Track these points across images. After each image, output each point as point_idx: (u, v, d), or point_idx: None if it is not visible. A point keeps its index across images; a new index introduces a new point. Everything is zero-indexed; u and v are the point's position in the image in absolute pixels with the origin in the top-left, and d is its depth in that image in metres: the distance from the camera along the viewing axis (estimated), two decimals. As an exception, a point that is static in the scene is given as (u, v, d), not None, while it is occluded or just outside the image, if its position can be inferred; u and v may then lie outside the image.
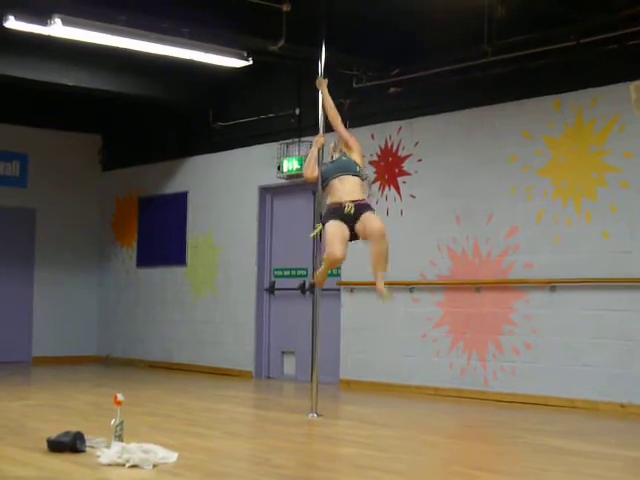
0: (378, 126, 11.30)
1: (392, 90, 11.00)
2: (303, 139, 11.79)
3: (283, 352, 12.63)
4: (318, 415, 8.31)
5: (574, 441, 7.18)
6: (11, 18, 9.20)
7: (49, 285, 15.17)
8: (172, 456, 5.83)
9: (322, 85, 8.43)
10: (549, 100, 9.69)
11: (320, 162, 8.33)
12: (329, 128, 8.49)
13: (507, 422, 8.51)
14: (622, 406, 8.95)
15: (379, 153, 11.29)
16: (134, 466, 5.59)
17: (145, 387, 11.24)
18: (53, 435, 6.18)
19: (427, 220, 10.73)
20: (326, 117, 8.43)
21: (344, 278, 11.52)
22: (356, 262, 11.33)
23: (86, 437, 6.19)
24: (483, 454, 6.88)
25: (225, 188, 13.33)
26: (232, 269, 13.18)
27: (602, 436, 7.60)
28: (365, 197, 8.17)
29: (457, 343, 10.38)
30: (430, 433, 7.67)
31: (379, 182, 11.25)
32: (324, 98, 8.40)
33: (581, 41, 9.19)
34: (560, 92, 9.60)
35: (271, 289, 12.77)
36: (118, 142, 15.57)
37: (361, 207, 7.98)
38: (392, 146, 11.16)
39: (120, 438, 6.07)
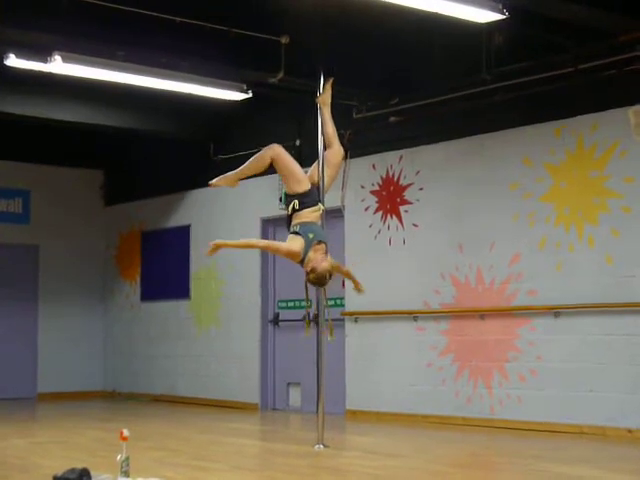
0: (379, 156, 11.34)
1: (392, 119, 11.04)
2: (304, 169, 11.79)
3: (288, 383, 12.59)
4: (325, 446, 8.28)
5: (582, 468, 7.15)
6: (12, 56, 9.25)
7: (53, 321, 15.16)
8: (178, 491, 5.82)
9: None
10: (549, 126, 9.72)
11: None
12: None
13: (514, 450, 8.47)
14: (630, 432, 8.90)
15: (380, 183, 11.31)
16: (140, 502, 5.57)
17: (150, 421, 11.21)
18: (59, 472, 6.16)
19: (430, 249, 10.73)
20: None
21: (348, 308, 11.50)
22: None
23: (92, 473, 6.16)
24: (491, 483, 6.85)
25: (227, 220, 13.34)
26: (236, 301, 13.17)
27: (610, 462, 7.56)
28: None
29: (462, 371, 10.35)
30: (437, 462, 7.64)
31: (381, 212, 11.27)
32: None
33: (579, 67, 9.22)
34: (560, 118, 9.62)
35: (275, 321, 12.75)
36: (120, 177, 15.61)
37: None
38: (393, 175, 11.18)
39: (126, 474, 6.04)
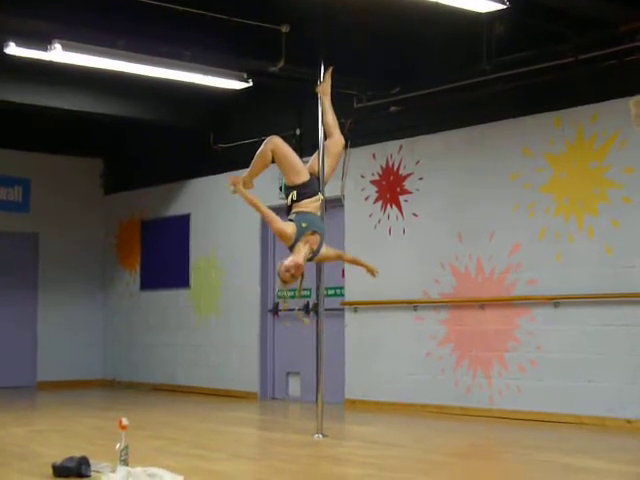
0: (379, 145, 11.32)
1: (393, 109, 11.02)
2: (304, 159, 11.79)
3: (288, 373, 12.60)
4: (324, 436, 8.29)
5: (581, 458, 7.16)
6: (12, 44, 9.24)
7: (53, 309, 15.16)
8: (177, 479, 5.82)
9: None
10: (549, 117, 9.71)
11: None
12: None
13: (513, 440, 8.48)
14: (629, 422, 8.92)
15: (380, 172, 11.30)
16: (140, 490, 5.58)
17: (150, 410, 11.22)
18: (58, 460, 6.18)
19: (430, 238, 10.73)
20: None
21: (348, 298, 11.51)
22: (359, 282, 11.36)
23: (91, 462, 6.18)
24: (490, 472, 6.86)
25: (227, 210, 13.33)
26: (235, 290, 13.17)
27: (609, 452, 7.57)
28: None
29: (462, 361, 10.36)
30: (436, 452, 7.65)
31: (381, 201, 11.26)
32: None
33: (579, 57, 9.21)
34: (560, 109, 9.61)
35: (275, 310, 12.76)
36: (119, 165, 15.61)
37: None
38: (393, 165, 11.17)
39: (125, 462, 6.05)
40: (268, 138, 8.01)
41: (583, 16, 8.62)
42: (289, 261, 7.62)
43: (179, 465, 6.47)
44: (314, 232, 7.72)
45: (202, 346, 13.67)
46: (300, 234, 7.67)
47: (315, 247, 7.74)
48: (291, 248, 7.72)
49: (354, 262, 8.64)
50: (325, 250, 7.89)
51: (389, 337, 11.07)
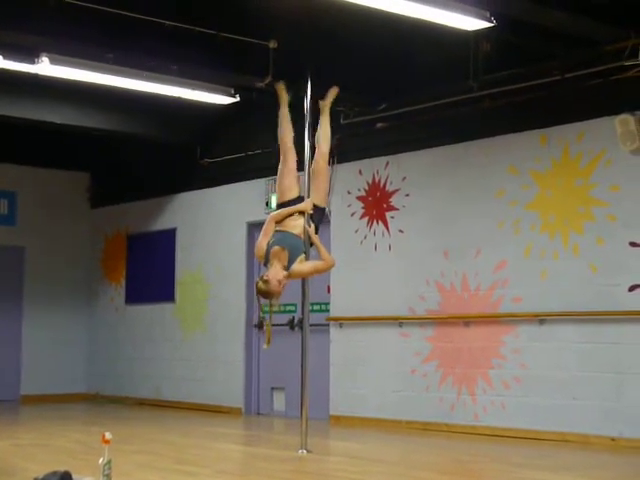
0: (365, 161, 11.35)
1: (379, 125, 11.05)
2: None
3: (273, 388, 12.58)
4: (308, 451, 8.27)
5: (566, 475, 7.17)
6: (-1, 57, 9.23)
7: (38, 322, 15.09)
8: (161, 495, 5.81)
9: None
10: (535, 134, 9.74)
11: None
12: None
13: (498, 457, 8.47)
14: (613, 439, 8.92)
15: (367, 188, 11.31)
16: (122, 505, 5.55)
17: (134, 425, 11.18)
18: (40, 475, 6.14)
19: (415, 255, 10.74)
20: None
21: (333, 313, 11.50)
22: (344, 297, 11.36)
23: (74, 477, 6.15)
24: (474, 489, 6.85)
25: (213, 224, 13.33)
26: (221, 305, 13.15)
27: (593, 470, 7.58)
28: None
29: (446, 378, 10.36)
30: (421, 469, 7.64)
31: (367, 217, 11.28)
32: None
33: (565, 76, 9.25)
34: (546, 126, 9.65)
35: (260, 325, 12.73)
36: (106, 179, 15.57)
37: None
38: (380, 181, 11.19)
39: (108, 477, 6.02)
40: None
41: (570, 35, 8.66)
42: (267, 275, 7.85)
43: (162, 480, 6.46)
44: (282, 248, 7.87)
45: (187, 361, 13.64)
46: (267, 252, 7.97)
47: (285, 263, 7.87)
48: (266, 265, 8.00)
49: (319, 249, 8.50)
50: (299, 266, 7.98)
51: (374, 353, 11.06)
